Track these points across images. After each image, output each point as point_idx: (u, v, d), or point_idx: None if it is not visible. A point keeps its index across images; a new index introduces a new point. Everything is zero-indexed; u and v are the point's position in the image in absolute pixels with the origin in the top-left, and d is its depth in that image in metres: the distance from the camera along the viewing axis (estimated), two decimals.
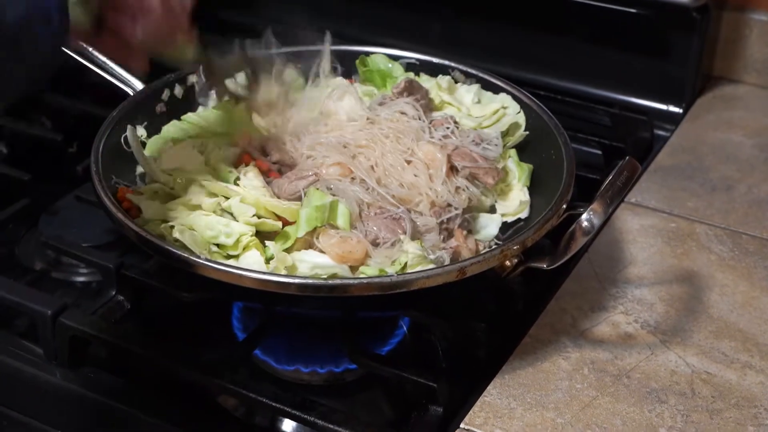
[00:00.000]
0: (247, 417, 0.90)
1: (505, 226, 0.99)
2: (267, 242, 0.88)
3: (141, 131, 1.02)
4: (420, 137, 0.99)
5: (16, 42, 0.73)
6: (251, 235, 0.88)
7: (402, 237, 0.89)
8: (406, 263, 0.87)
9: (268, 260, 0.87)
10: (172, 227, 0.89)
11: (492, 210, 1.00)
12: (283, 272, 0.85)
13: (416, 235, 0.91)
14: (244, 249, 0.87)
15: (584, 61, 1.32)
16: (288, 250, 0.88)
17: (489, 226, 0.98)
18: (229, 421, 0.89)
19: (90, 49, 0.98)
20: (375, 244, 0.90)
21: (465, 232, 0.94)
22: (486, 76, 1.11)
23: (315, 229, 0.88)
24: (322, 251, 0.87)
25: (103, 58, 1.00)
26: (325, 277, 0.85)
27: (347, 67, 1.15)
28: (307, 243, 0.89)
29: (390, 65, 1.13)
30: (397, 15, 1.40)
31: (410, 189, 0.95)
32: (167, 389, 0.89)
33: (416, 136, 0.99)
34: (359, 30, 1.35)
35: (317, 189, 0.92)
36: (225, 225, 0.88)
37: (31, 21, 0.73)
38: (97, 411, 0.90)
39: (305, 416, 0.83)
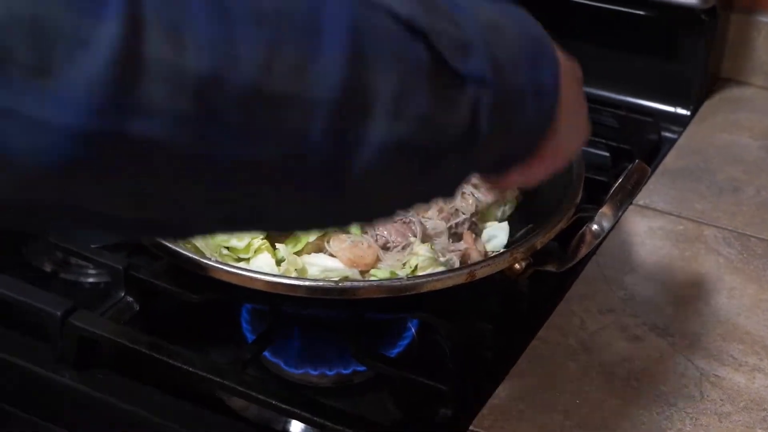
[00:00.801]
0: (255, 418, 0.90)
1: (513, 230, 0.99)
2: (278, 245, 0.88)
3: None
4: None
5: None
6: (262, 239, 0.88)
7: (412, 239, 0.89)
8: (416, 266, 0.87)
9: (279, 263, 0.87)
10: None
11: (501, 218, 1.00)
12: (294, 275, 0.85)
13: (426, 238, 0.91)
14: (255, 252, 0.88)
15: (591, 62, 1.30)
16: (298, 254, 0.88)
17: (498, 236, 0.98)
18: (238, 422, 0.89)
19: None
20: (385, 248, 0.90)
21: (474, 235, 0.94)
22: None
23: (326, 233, 0.88)
24: (332, 255, 0.88)
25: None
26: (335, 280, 0.85)
27: None
28: (318, 247, 0.89)
29: None
30: None
31: None
32: (176, 390, 0.89)
33: None
34: None
35: None
36: None
37: None
38: (106, 412, 0.90)
39: (314, 417, 0.83)
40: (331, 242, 0.88)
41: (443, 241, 0.92)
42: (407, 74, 0.52)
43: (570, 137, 0.69)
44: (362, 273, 0.87)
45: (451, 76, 0.54)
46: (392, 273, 0.86)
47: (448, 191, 0.62)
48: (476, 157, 0.59)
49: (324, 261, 0.87)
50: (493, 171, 0.65)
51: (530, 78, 0.60)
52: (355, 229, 0.89)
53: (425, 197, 0.61)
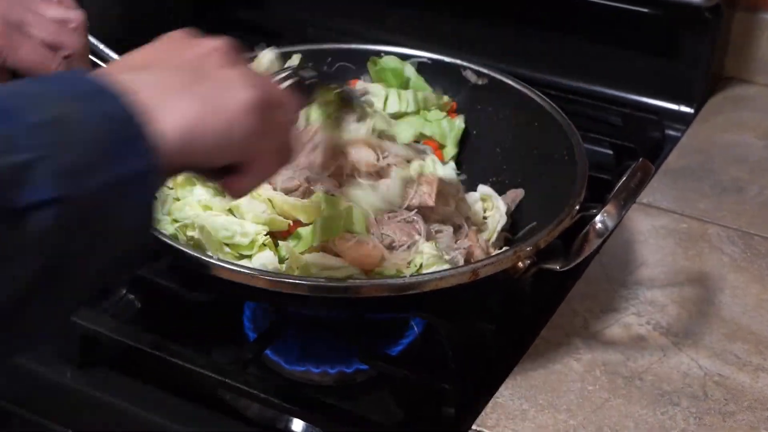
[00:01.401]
0: (257, 417, 0.90)
1: (516, 227, 0.99)
2: (281, 242, 0.88)
3: None
4: None
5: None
6: (265, 235, 0.88)
7: (417, 238, 0.89)
8: (421, 264, 0.86)
9: (281, 261, 0.86)
10: (185, 226, 0.89)
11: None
12: (296, 273, 0.85)
13: (430, 236, 0.91)
14: (258, 249, 0.87)
15: (596, 61, 1.32)
16: (302, 252, 0.88)
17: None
18: (239, 420, 0.89)
19: None
20: (391, 247, 0.89)
21: (477, 233, 0.94)
22: (497, 76, 1.11)
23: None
24: (336, 254, 0.87)
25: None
26: (337, 278, 0.85)
27: (357, 65, 1.14)
28: (321, 245, 0.88)
29: (401, 65, 1.13)
30: (408, 13, 1.40)
31: None
32: (177, 389, 0.89)
33: None
34: (369, 28, 1.35)
35: (332, 195, 0.91)
36: (239, 225, 0.88)
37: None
38: (107, 410, 0.90)
39: (315, 416, 0.83)
40: (336, 242, 0.88)
41: (446, 238, 0.92)
42: None
43: (264, 157, 0.66)
44: (367, 272, 0.87)
45: (6, 216, 0.48)
46: (398, 272, 0.86)
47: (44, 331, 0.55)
48: (78, 281, 0.53)
49: (327, 260, 0.86)
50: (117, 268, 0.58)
51: (117, 169, 0.52)
52: (360, 228, 0.89)
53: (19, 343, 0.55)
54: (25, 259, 0.50)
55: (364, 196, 0.91)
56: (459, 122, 1.11)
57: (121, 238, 0.55)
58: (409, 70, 1.12)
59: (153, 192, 0.56)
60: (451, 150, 1.09)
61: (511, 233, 1.00)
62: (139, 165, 0.54)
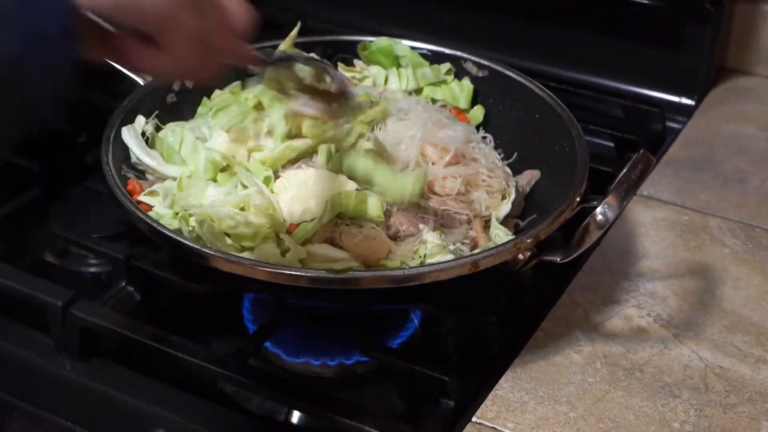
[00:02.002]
0: (257, 409, 0.90)
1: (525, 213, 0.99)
2: (282, 235, 0.87)
3: (148, 128, 1.01)
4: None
5: (6, 84, 0.59)
6: (268, 227, 0.87)
7: (422, 228, 0.89)
8: (425, 254, 0.86)
9: (284, 254, 0.86)
10: (190, 215, 0.88)
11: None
12: (297, 265, 0.85)
13: (437, 227, 0.91)
14: (262, 241, 0.87)
15: (597, 52, 1.31)
16: (304, 244, 0.87)
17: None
18: (239, 412, 0.89)
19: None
20: (395, 237, 0.89)
21: (483, 223, 0.93)
22: (498, 67, 1.11)
23: (337, 224, 0.88)
24: (341, 248, 0.87)
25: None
26: (337, 269, 0.84)
27: (357, 57, 1.14)
28: (323, 237, 0.88)
29: (392, 44, 1.12)
30: (409, 4, 1.39)
31: None
32: (177, 381, 0.89)
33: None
34: (369, 20, 1.35)
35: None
36: (243, 217, 0.88)
37: (26, 56, 0.59)
38: (108, 402, 0.90)
39: (315, 408, 0.83)
40: (343, 237, 0.87)
41: (460, 231, 0.92)
42: None
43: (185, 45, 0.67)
44: (368, 265, 0.87)
45: None
46: (402, 263, 0.86)
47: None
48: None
49: (329, 251, 0.86)
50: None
51: (29, 29, 0.57)
52: (375, 213, 0.89)
53: None
54: None
55: (386, 183, 0.91)
56: (467, 83, 1.11)
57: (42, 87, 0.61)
58: (403, 49, 1.12)
59: (66, 48, 0.60)
60: (475, 113, 1.09)
61: (521, 219, 0.99)
62: (54, 23, 0.59)
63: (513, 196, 0.98)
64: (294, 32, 1.05)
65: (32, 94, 0.61)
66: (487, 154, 1.02)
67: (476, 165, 0.99)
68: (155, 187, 0.94)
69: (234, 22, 0.72)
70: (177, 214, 0.90)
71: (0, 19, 0.57)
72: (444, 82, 1.12)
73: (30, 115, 0.63)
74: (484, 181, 0.98)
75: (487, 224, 0.95)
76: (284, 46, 1.04)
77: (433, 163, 0.97)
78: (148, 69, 0.70)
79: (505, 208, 0.97)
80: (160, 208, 0.92)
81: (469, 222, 0.94)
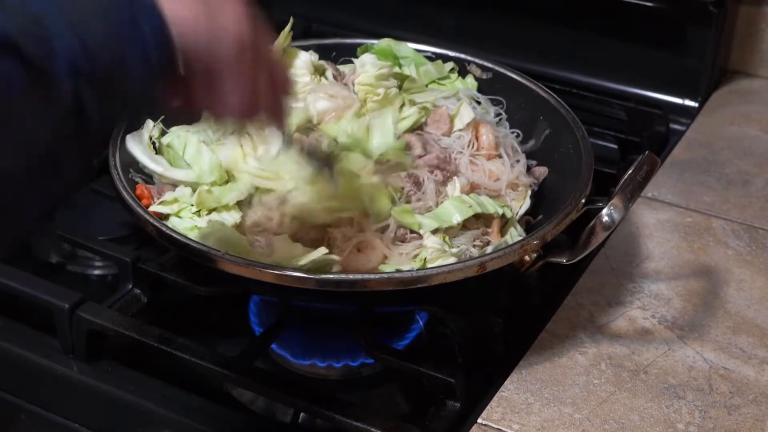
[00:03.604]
0: (263, 411, 0.90)
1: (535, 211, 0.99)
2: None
3: (155, 132, 1.01)
4: None
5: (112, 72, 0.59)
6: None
7: (426, 179, 0.92)
8: (425, 258, 0.86)
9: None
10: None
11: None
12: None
13: (466, 190, 0.95)
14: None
15: (600, 55, 1.32)
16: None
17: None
18: (246, 414, 0.89)
19: None
20: (418, 184, 0.93)
21: (499, 222, 0.94)
22: (502, 70, 1.11)
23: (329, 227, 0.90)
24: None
25: None
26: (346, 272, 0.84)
27: None
28: (315, 241, 0.89)
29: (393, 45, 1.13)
30: (413, 7, 1.40)
31: None
32: (184, 383, 0.89)
33: None
34: (373, 23, 1.35)
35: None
36: None
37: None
38: (114, 404, 0.90)
39: (321, 410, 0.83)
40: (335, 249, 0.88)
41: (474, 234, 0.92)
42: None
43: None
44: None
45: (44, 82, 0.54)
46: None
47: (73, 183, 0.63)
48: (93, 142, 0.60)
49: (293, 248, 0.87)
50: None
51: (129, 43, 0.59)
52: (384, 207, 0.90)
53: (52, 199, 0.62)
54: (62, 126, 0.57)
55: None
56: (470, 80, 1.11)
57: (133, 100, 0.62)
58: (404, 49, 1.12)
59: (163, 59, 0.61)
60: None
61: (533, 216, 0.99)
62: (151, 35, 0.60)
63: (529, 192, 0.99)
64: (287, 28, 1.05)
65: (133, 87, 0.62)
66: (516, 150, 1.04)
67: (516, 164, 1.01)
68: (166, 196, 0.94)
69: (281, 82, 0.75)
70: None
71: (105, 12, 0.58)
72: (447, 78, 1.12)
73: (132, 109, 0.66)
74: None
75: (504, 223, 0.95)
76: (280, 41, 1.04)
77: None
78: (200, 107, 0.70)
79: (526, 204, 0.97)
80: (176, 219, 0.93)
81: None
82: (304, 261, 0.84)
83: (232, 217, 0.92)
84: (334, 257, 0.85)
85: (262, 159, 0.96)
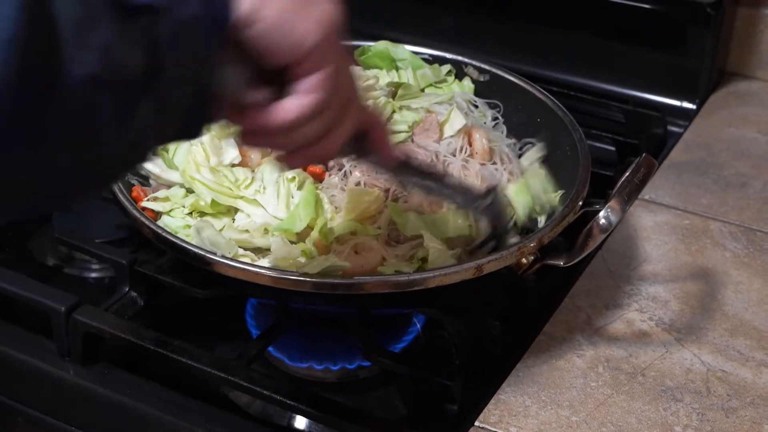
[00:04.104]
0: (260, 414, 0.90)
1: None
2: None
3: None
4: None
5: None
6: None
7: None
8: (425, 258, 0.86)
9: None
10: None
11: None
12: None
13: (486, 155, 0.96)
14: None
15: (598, 56, 1.32)
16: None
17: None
18: (243, 417, 0.89)
19: None
20: (392, 242, 0.90)
21: None
22: (499, 72, 1.11)
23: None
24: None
25: None
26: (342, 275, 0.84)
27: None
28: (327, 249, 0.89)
29: (389, 47, 1.13)
30: (410, 9, 1.40)
31: None
32: (181, 386, 0.89)
33: None
34: (370, 25, 1.35)
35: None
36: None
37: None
38: (111, 407, 0.90)
39: (318, 413, 0.83)
40: (333, 252, 0.88)
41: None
42: (88, 3, 0.52)
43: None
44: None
45: (125, 6, 0.54)
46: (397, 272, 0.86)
47: (149, 143, 0.60)
48: (167, 98, 0.57)
49: (291, 250, 0.87)
50: (194, 118, 0.62)
51: (203, 4, 0.58)
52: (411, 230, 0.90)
53: (129, 155, 0.60)
54: (140, 50, 0.55)
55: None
56: (467, 83, 1.11)
57: (200, 72, 0.59)
58: (401, 52, 1.12)
59: (223, 31, 0.59)
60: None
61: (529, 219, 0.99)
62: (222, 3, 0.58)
63: None
64: None
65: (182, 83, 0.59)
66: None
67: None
68: (159, 193, 0.95)
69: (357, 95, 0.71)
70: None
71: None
72: (444, 81, 1.12)
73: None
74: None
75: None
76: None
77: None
78: (273, 116, 0.66)
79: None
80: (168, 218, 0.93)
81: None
82: (310, 268, 0.83)
83: (222, 222, 0.92)
84: (343, 263, 0.85)
85: (216, 170, 0.95)
